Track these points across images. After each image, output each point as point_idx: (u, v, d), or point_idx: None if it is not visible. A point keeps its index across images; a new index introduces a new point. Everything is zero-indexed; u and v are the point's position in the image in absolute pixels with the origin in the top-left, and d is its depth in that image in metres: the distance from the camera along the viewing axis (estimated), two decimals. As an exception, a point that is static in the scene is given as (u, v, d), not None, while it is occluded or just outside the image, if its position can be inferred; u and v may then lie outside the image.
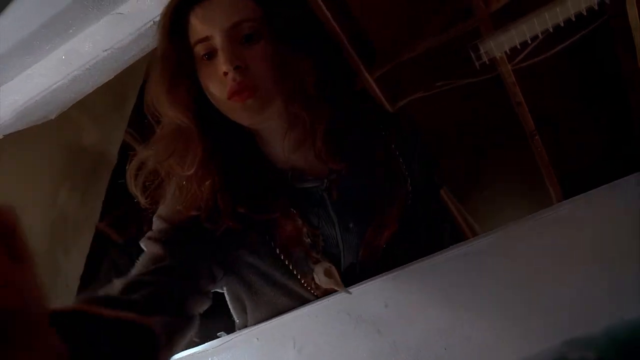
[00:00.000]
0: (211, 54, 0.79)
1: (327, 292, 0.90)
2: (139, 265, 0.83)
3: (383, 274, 0.85)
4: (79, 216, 1.56)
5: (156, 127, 0.87)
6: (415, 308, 0.81)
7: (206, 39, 0.78)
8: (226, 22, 0.77)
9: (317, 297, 0.91)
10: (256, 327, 0.93)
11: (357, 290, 0.86)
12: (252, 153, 0.90)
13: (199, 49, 0.79)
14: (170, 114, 0.82)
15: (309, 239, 0.89)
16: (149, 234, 0.87)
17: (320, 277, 0.87)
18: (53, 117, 1.35)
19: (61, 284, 1.55)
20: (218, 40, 0.77)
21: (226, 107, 0.81)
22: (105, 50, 1.05)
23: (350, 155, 0.88)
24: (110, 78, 1.16)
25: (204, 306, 0.87)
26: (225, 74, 0.77)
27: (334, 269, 0.88)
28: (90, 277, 1.64)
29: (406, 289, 0.83)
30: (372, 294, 0.85)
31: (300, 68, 0.80)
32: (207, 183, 0.83)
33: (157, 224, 0.87)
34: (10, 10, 0.93)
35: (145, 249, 0.85)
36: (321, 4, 1.94)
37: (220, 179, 0.84)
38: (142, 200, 0.87)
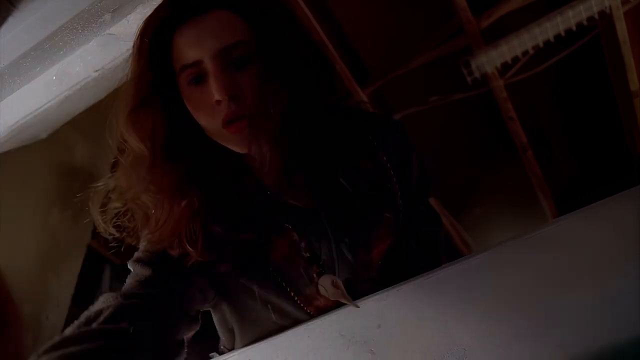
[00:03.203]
0: (200, 79, 0.74)
1: (322, 311, 0.89)
2: (128, 286, 0.80)
3: (376, 293, 0.84)
4: (70, 237, 1.55)
5: (120, 156, 0.81)
6: (408, 328, 0.80)
7: (195, 63, 0.73)
8: (217, 44, 0.71)
9: (311, 316, 0.89)
10: (249, 347, 0.92)
11: (350, 310, 0.85)
12: (239, 170, 0.85)
13: (186, 74, 0.74)
14: (131, 140, 0.77)
15: (307, 254, 0.86)
16: (136, 255, 0.85)
17: (328, 289, 0.85)
18: (44, 137, 1.35)
19: (52, 304, 1.53)
20: (209, 65, 0.72)
21: (218, 135, 0.77)
22: (97, 70, 1.06)
23: (329, 180, 0.84)
24: (102, 98, 1.16)
25: (193, 331, 0.86)
26: (219, 102, 0.72)
27: (339, 281, 0.86)
28: (84, 296, 1.63)
29: (399, 309, 0.82)
30: (365, 314, 0.84)
31: (278, 100, 0.74)
32: (180, 207, 0.78)
33: (144, 244, 0.84)
34: (1, 33, 0.93)
35: (132, 270, 0.83)
36: (315, 23, 1.96)
37: (197, 201, 0.79)
38: (113, 234, 0.82)
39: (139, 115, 0.76)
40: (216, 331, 0.98)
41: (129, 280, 0.82)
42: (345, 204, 0.86)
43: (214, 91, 0.72)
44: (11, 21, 0.92)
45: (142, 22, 0.77)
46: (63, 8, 0.92)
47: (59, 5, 0.91)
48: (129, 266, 0.84)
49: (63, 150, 1.61)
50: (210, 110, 0.74)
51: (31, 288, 1.48)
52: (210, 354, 1.02)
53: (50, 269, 1.53)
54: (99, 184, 0.82)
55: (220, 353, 1.00)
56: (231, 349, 0.97)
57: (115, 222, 0.82)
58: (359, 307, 0.84)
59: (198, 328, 0.88)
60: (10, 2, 0.90)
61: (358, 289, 0.89)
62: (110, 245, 0.84)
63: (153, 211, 0.79)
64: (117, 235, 0.82)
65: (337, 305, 0.88)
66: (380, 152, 0.90)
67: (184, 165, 0.78)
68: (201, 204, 0.80)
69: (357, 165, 0.87)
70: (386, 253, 0.92)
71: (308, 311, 0.89)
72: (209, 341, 1.00)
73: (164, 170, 0.77)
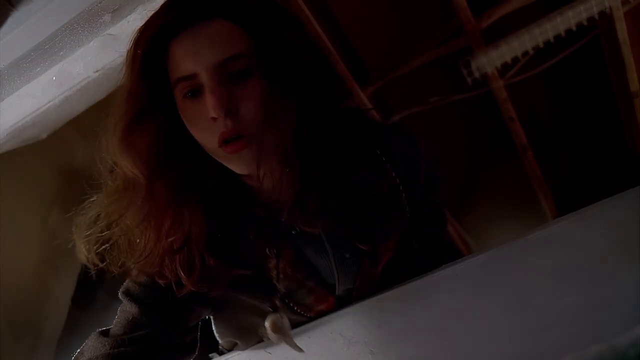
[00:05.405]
0: (196, 92, 0.69)
1: (324, 314, 0.89)
2: (118, 325, 0.78)
3: (376, 294, 0.85)
4: (70, 237, 1.55)
5: (108, 178, 0.77)
6: (408, 328, 0.80)
7: (191, 76, 0.67)
8: (214, 57, 0.66)
9: (311, 319, 0.89)
10: (249, 349, 0.92)
11: (350, 310, 0.85)
12: (235, 187, 0.80)
13: (181, 87, 0.69)
14: (123, 164, 0.72)
15: (284, 290, 0.83)
16: (126, 285, 0.81)
17: (270, 334, 0.81)
18: (44, 137, 1.35)
19: (52, 304, 1.53)
20: (205, 79, 0.67)
21: (215, 153, 0.72)
22: (97, 71, 1.06)
23: (338, 195, 0.78)
24: (102, 98, 1.16)
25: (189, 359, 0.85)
26: (214, 119, 0.67)
27: (283, 323, 0.81)
28: (84, 296, 1.63)
29: (399, 310, 0.82)
30: (365, 315, 0.84)
31: (285, 116, 0.69)
32: (168, 241, 0.74)
33: (136, 274, 0.80)
34: (1, 33, 0.93)
35: (123, 302, 0.81)
36: (315, 23, 1.95)
37: (195, 226, 0.74)
38: (97, 264, 0.77)
39: (132, 137, 0.71)
40: (213, 333, 0.98)
41: (119, 317, 0.80)
42: (351, 222, 0.81)
43: (210, 107, 0.66)
44: (11, 22, 0.92)
45: (138, 28, 0.72)
46: (63, 8, 0.92)
47: (59, 6, 0.91)
48: (120, 296, 0.81)
49: (63, 151, 1.60)
50: (206, 126, 0.69)
51: (31, 288, 1.48)
52: (210, 354, 1.02)
53: (50, 269, 1.53)
54: (86, 205, 0.78)
55: (220, 353, 1.00)
56: (230, 349, 0.97)
57: (98, 250, 0.77)
58: (303, 351, 0.82)
59: (195, 354, 0.86)
60: (9, 3, 0.90)
61: (358, 296, 0.88)
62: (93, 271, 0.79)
63: (138, 240, 0.74)
64: (101, 265, 0.77)
65: (338, 307, 0.88)
66: (388, 166, 0.86)
67: (181, 185, 0.73)
68: (200, 229, 0.75)
69: (366, 182, 0.81)
70: (387, 264, 0.91)
71: (309, 316, 0.89)
72: (208, 342, 1.00)
73: (160, 193, 0.72)
